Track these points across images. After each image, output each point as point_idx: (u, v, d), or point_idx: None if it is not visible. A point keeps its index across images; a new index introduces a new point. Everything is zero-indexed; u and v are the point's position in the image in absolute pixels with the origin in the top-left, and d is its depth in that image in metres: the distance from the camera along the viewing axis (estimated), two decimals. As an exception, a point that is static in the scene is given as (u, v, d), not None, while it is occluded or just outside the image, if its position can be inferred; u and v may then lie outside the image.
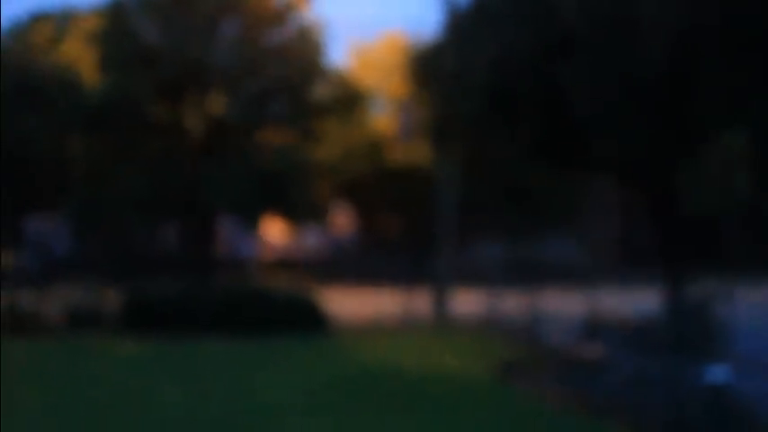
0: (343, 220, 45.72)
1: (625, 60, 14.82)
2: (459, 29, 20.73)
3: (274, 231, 43.63)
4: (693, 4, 13.55)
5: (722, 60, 14.13)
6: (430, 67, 21.02)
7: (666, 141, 17.32)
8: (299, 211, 29.91)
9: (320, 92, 30.57)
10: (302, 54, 29.41)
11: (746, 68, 14.28)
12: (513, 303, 24.77)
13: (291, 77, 29.03)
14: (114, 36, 28.65)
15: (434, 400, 13.34)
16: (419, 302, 27.24)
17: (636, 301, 21.77)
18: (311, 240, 46.28)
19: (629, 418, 12.50)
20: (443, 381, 15.12)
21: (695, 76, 14.54)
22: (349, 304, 27.96)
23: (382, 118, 42.54)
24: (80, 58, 31.06)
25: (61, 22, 36.76)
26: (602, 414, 12.75)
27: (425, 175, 34.08)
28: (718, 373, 12.69)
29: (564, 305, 25.00)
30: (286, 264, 43.79)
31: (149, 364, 17.51)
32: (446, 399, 13.51)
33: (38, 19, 37.44)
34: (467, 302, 27.38)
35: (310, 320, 22.74)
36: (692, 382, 12.76)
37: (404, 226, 42.39)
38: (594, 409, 13.04)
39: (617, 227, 42.88)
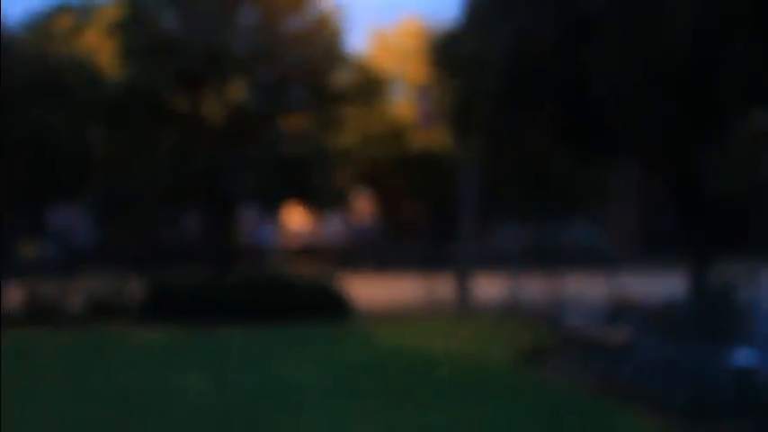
0: (364, 206, 45.67)
1: (649, 41, 14.65)
2: (479, 13, 20.60)
3: (295, 219, 43.66)
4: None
5: (746, 41, 13.95)
6: (450, 52, 20.90)
7: (690, 123, 17.15)
8: (321, 199, 29.86)
9: (340, 78, 30.45)
10: (321, 40, 29.29)
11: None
12: (535, 288, 24.68)
13: (311, 64, 28.92)
14: (133, 25, 28.64)
15: (459, 386, 13.29)
16: (441, 288, 27.19)
17: (659, 285, 21.63)
18: (332, 227, 46.28)
19: (655, 402, 12.41)
20: (468, 366, 15.07)
21: (719, 56, 14.36)
22: (371, 291, 27.94)
23: (402, 104, 42.40)
24: (100, 48, 31.06)
25: (81, 13, 36.79)
26: (627, 398, 12.66)
27: (446, 161, 33.95)
28: (744, 357, 12.59)
29: (586, 289, 24.87)
30: (308, 251, 43.84)
31: (172, 352, 17.55)
32: (471, 384, 13.47)
33: (58, 11, 37.50)
34: (489, 287, 27.30)
35: (333, 307, 22.72)
36: (719, 365, 12.66)
37: (425, 212, 42.29)
38: (620, 393, 12.95)
39: (638, 211, 42.62)
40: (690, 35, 13.83)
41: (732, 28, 13.84)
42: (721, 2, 13.62)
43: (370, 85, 30.76)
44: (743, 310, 16.82)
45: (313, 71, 29.01)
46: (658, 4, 14.53)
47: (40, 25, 35.96)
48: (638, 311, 17.82)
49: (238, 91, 29.40)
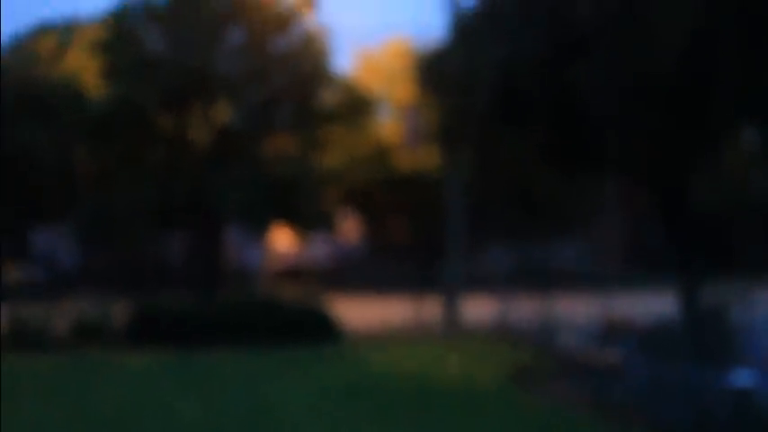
0: (350, 227, 45.46)
1: (639, 58, 14.54)
2: (467, 31, 20.50)
3: (282, 240, 43.39)
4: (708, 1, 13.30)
5: (737, 57, 13.86)
6: (437, 71, 20.78)
7: (681, 141, 17.05)
8: (307, 220, 29.63)
9: (326, 98, 30.33)
10: (308, 60, 29.17)
11: (762, 65, 14.01)
12: (524, 308, 24.48)
13: (297, 84, 28.79)
14: (118, 45, 28.46)
15: (452, 408, 13.07)
16: (429, 309, 26.97)
17: (648, 305, 21.47)
18: (319, 248, 46.04)
19: (651, 424, 12.21)
20: (459, 388, 14.86)
21: (710, 73, 14.26)
22: (359, 312, 27.70)
23: (388, 124, 42.32)
24: (84, 68, 30.87)
25: (65, 33, 36.64)
26: (622, 420, 12.46)
27: (433, 181, 33.80)
28: (741, 377, 12.41)
29: (575, 310, 24.70)
30: (294, 273, 43.57)
31: (159, 377, 17.25)
32: (463, 406, 13.25)
33: (42, 31, 37.33)
34: (478, 308, 27.11)
35: (320, 330, 22.47)
36: (715, 387, 12.48)
37: (412, 232, 42.12)
38: (614, 415, 12.75)
39: (626, 231, 42.58)
40: (682, 52, 13.72)
41: (723, 45, 13.75)
42: (712, 19, 13.53)
43: (356, 106, 30.64)
44: (735, 329, 16.69)
45: (299, 91, 28.89)
46: (649, 22, 14.44)
47: (24, 46, 35.78)
48: (630, 332, 17.65)
49: (224, 111, 29.24)
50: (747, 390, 12.16)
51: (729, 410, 11.98)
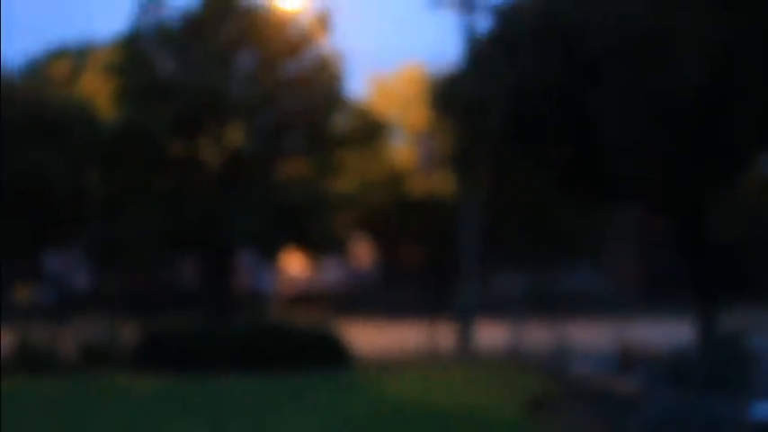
0: (363, 252, 45.26)
1: (657, 82, 14.35)
2: (481, 55, 20.38)
3: (293, 264, 43.20)
4: (730, 20, 13.09)
5: (758, 84, 13.65)
6: (451, 96, 20.65)
7: (698, 169, 16.83)
8: (320, 244, 29.42)
9: (339, 123, 30.20)
10: (321, 85, 29.06)
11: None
12: (538, 335, 24.22)
13: (310, 108, 28.66)
14: (130, 68, 28.41)
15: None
16: (443, 335, 26.70)
17: (664, 333, 21.19)
18: (331, 273, 45.83)
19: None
20: (474, 417, 14.59)
21: (730, 100, 14.06)
22: (371, 338, 27.46)
23: (402, 149, 42.20)
24: (97, 91, 30.86)
25: (79, 56, 36.71)
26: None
27: (447, 206, 33.60)
28: (762, 410, 12.14)
29: (590, 337, 24.43)
30: (306, 297, 43.34)
31: (168, 402, 17.03)
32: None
33: (55, 55, 37.42)
34: (491, 334, 26.84)
35: (333, 355, 22.22)
36: (736, 418, 12.21)
37: (425, 257, 41.88)
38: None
39: (638, 256, 42.27)
40: (703, 72, 13.50)
41: (743, 71, 13.54)
42: (733, 45, 13.33)
43: (369, 130, 30.49)
44: (753, 358, 16.41)
45: (312, 115, 28.75)
46: (667, 48, 14.25)
47: (38, 69, 35.84)
48: (646, 360, 17.37)
49: (236, 135, 29.13)
50: (766, 422, 11.88)
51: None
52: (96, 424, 14.26)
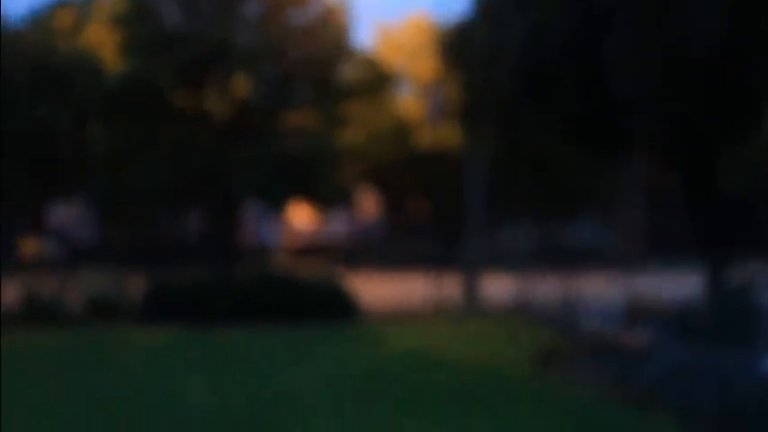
0: (369, 205, 45.12)
1: (674, 32, 14.04)
2: (491, 7, 20.04)
3: (299, 217, 43.11)
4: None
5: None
6: (461, 48, 20.35)
7: (712, 122, 16.59)
8: (326, 196, 29.29)
9: (346, 74, 29.91)
10: (327, 35, 28.74)
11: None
12: (545, 288, 24.12)
13: (316, 59, 28.37)
14: (135, 19, 28.11)
15: (475, 392, 12.74)
16: (449, 288, 26.62)
17: (672, 287, 21.08)
18: (337, 226, 45.74)
19: (678, 409, 11.86)
20: (483, 372, 14.52)
21: (749, 47, 13.77)
22: (377, 291, 27.41)
23: (409, 101, 41.85)
24: (102, 43, 30.56)
25: (83, 7, 36.32)
26: (648, 406, 12.12)
27: (454, 159, 33.37)
28: (775, 363, 12.04)
29: (597, 291, 24.33)
30: (312, 250, 43.27)
31: (173, 354, 17.00)
32: (486, 390, 12.92)
33: (59, 6, 37.04)
34: (498, 287, 26.76)
35: (339, 308, 22.16)
36: (745, 372, 12.12)
37: (432, 210, 41.76)
38: (643, 401, 12.40)
39: (646, 211, 42.11)
40: (720, 27, 13.20)
41: (764, 18, 13.24)
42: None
43: (376, 81, 30.20)
44: (762, 312, 16.29)
45: (318, 66, 28.48)
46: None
47: (42, 20, 35.49)
48: (655, 314, 17.28)
49: (242, 85, 28.88)
50: (781, 376, 11.79)
51: (760, 396, 11.61)
52: (101, 377, 14.22)
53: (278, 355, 16.62)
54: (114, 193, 27.86)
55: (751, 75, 14.35)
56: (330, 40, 28.63)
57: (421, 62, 39.85)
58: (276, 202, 29.46)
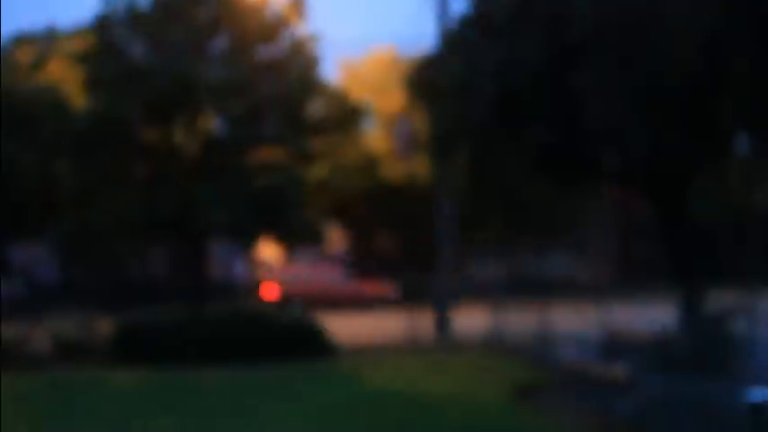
0: (337, 238, 44.85)
1: (645, 63, 14.05)
2: (460, 39, 20.04)
3: (267, 251, 42.72)
4: (718, 3, 12.81)
5: (746, 68, 13.36)
6: (430, 80, 20.28)
7: (682, 152, 16.63)
8: (295, 233, 28.94)
9: (315, 108, 29.77)
10: (296, 69, 28.60)
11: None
12: (518, 320, 23.93)
13: (285, 93, 28.20)
14: (100, 54, 27.78)
15: (454, 427, 12.51)
16: (421, 322, 26.37)
17: (647, 317, 20.99)
18: (305, 260, 45.37)
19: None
20: (460, 405, 14.29)
21: (719, 80, 13.79)
22: (348, 326, 27.11)
23: (374, 134, 41.81)
24: (66, 79, 30.20)
25: (45, 43, 35.98)
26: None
27: (422, 192, 33.24)
28: (758, 393, 11.94)
29: (572, 322, 24.20)
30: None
31: (144, 395, 16.61)
32: (466, 425, 12.70)
33: (20, 42, 36.66)
34: (470, 320, 26.57)
35: (311, 344, 21.83)
36: (729, 402, 12.02)
37: (401, 244, 41.56)
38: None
39: (620, 241, 42.23)
40: (697, 56, 13.19)
41: (733, 51, 13.28)
42: (725, 22, 13.05)
43: (345, 115, 30.05)
44: (738, 342, 16.27)
45: (287, 101, 28.29)
46: (655, 28, 13.92)
47: (3, 57, 35.06)
48: (632, 345, 17.17)
49: (210, 122, 28.63)
50: (763, 406, 11.68)
51: (744, 427, 11.50)
52: (74, 420, 13.82)
53: (252, 393, 16.27)
54: (80, 232, 27.37)
55: (720, 105, 14.37)
56: (299, 74, 28.48)
57: (385, 96, 39.86)
58: (246, 239, 29.09)
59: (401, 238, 41.33)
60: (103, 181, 27.38)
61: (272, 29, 28.59)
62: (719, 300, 18.68)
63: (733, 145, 17.77)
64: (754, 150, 18.37)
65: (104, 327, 22.32)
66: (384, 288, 37.04)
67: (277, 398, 15.49)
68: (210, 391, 16.80)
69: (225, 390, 16.84)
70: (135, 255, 34.48)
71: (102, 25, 27.91)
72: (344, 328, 25.44)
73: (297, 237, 29.22)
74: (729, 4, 12.82)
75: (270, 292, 36.30)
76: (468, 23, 19.71)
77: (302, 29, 29.11)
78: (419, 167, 32.47)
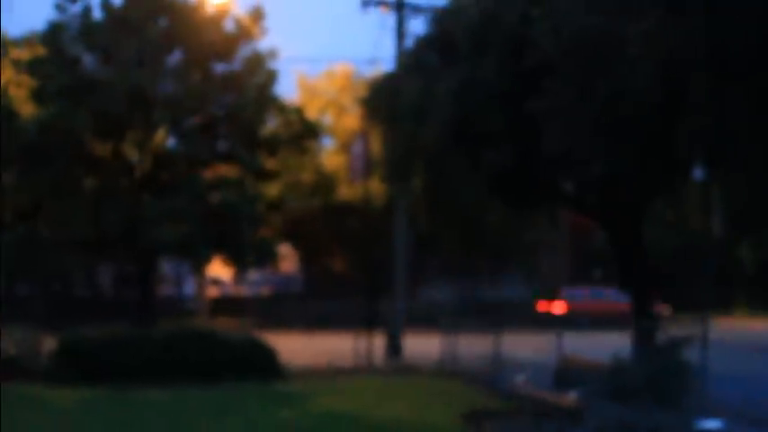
0: (288, 258, 44.44)
1: (602, 90, 13.95)
2: (417, 61, 19.90)
3: (217, 270, 42.22)
4: (676, 28, 12.75)
5: (704, 98, 13.32)
6: (387, 102, 20.08)
7: (638, 179, 16.57)
8: (248, 251, 28.43)
9: (271, 125, 29.39)
10: (252, 85, 28.22)
11: (730, 107, 13.45)
12: (470, 345, 23.72)
13: (240, 109, 27.80)
14: (50, 65, 27.17)
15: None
16: (372, 345, 26.06)
17: (600, 344, 20.89)
18: (255, 279, 44.91)
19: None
20: (410, 429, 14.02)
21: (677, 106, 13.74)
22: (298, 348, 26.72)
23: (329, 153, 41.57)
24: (13, 89, 29.55)
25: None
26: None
27: (375, 213, 33.07)
28: (709, 423, 11.85)
29: (524, 348, 24.06)
30: (230, 304, 42.31)
31: (87, 415, 16.10)
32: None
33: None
34: (422, 345, 26.32)
35: (260, 365, 21.41)
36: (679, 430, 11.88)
37: (353, 266, 41.26)
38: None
39: (573, 267, 42.32)
40: (649, 87, 13.12)
41: (691, 76, 13.22)
42: (683, 50, 12.99)
43: (301, 133, 29.70)
44: (691, 369, 16.19)
45: (242, 117, 27.89)
46: (613, 56, 13.83)
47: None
48: (584, 372, 17.00)
49: (162, 136, 28.14)
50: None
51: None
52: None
53: (199, 414, 15.84)
54: (26, 245, 26.64)
55: (677, 133, 14.31)
56: (255, 90, 28.10)
57: (343, 115, 39.69)
58: (196, 257, 28.48)
59: (355, 258, 41.04)
60: (51, 193, 26.71)
61: (229, 43, 28.22)
62: (674, 327, 18.63)
63: (690, 173, 17.77)
64: (710, 178, 18.41)
65: (47, 343, 21.71)
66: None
67: (221, 420, 15.09)
68: (152, 411, 16.33)
69: (167, 410, 16.39)
70: (81, 270, 33.78)
71: (53, 34, 27.32)
72: (293, 348, 25.06)
73: (249, 255, 28.70)
74: (687, 32, 12.77)
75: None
76: (426, 45, 19.60)
77: (259, 44, 28.79)
78: (375, 187, 32.24)
